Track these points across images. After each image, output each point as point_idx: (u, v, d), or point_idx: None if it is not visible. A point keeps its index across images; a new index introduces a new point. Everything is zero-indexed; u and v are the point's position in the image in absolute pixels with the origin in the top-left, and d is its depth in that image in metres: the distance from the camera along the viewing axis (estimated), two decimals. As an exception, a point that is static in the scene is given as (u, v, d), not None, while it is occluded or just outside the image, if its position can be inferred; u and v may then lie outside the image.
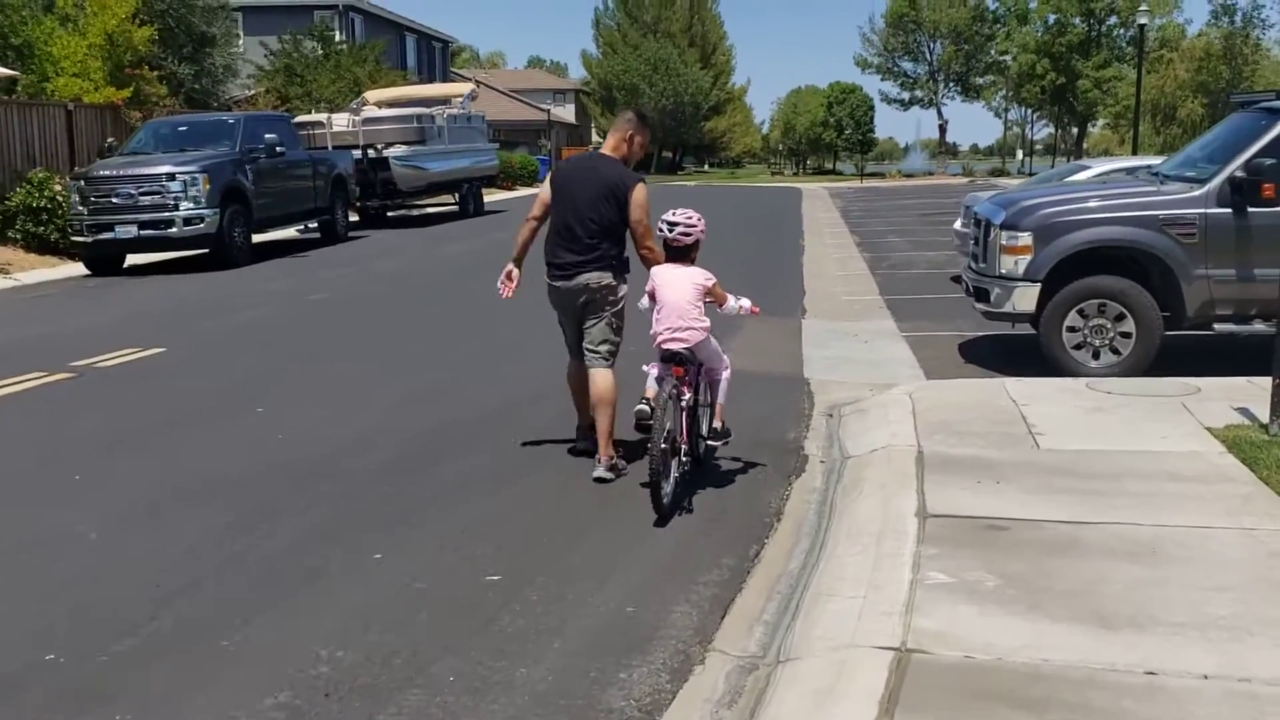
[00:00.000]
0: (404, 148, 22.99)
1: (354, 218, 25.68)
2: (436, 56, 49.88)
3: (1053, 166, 62.24)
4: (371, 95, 26.47)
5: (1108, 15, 58.59)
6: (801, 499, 5.85)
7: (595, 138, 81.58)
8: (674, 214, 5.68)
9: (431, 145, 24.10)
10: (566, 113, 78.84)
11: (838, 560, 4.73)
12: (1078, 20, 57.70)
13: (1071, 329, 8.62)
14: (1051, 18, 57.77)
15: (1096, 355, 8.61)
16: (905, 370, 9.22)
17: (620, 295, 6.04)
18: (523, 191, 42.98)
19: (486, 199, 33.05)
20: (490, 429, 7.36)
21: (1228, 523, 4.88)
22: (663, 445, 5.15)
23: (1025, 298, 8.73)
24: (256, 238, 18.42)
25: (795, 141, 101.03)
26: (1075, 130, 64.32)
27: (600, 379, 5.99)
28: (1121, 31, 58.81)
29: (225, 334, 11.28)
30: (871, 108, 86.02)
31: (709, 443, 5.92)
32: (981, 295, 9.17)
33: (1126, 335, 8.52)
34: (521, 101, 72.52)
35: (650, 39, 73.82)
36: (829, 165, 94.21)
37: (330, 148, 22.33)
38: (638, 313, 5.98)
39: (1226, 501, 5.16)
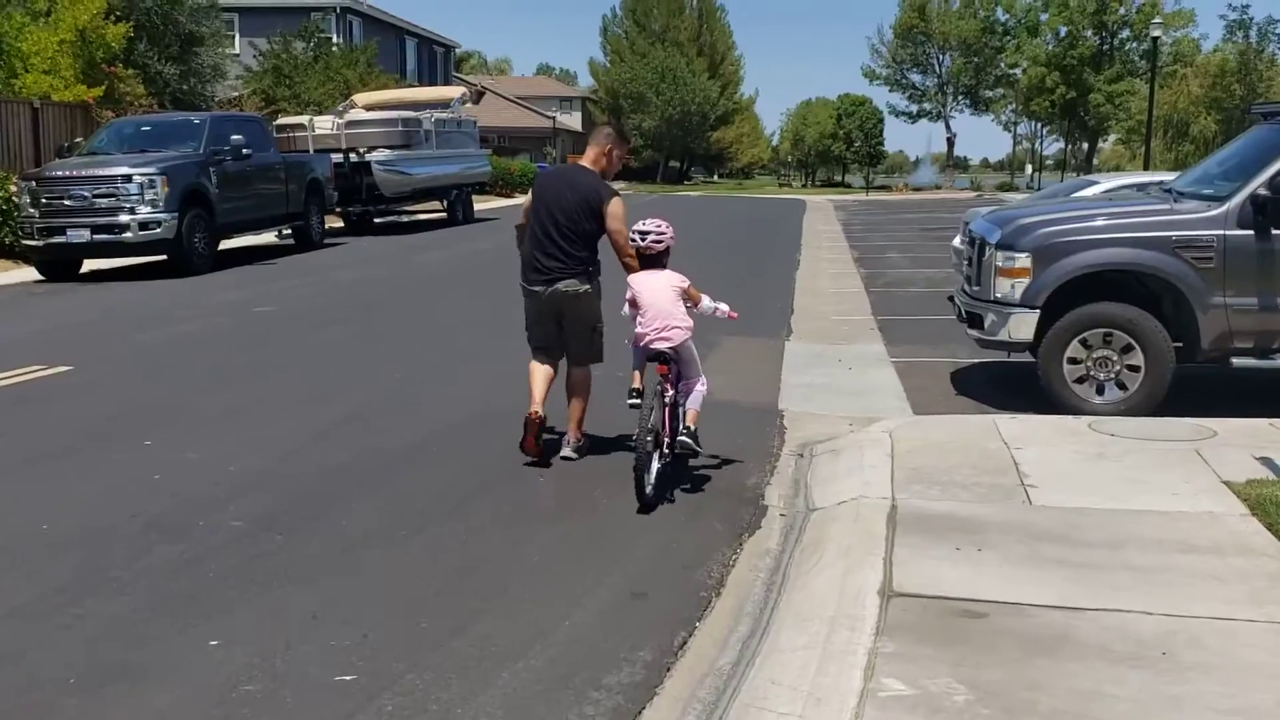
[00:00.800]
0: (388, 152, 22.20)
1: (338, 224, 24.99)
2: (438, 61, 49.19)
3: (1061, 182, 61.51)
4: (360, 98, 25.71)
5: (1120, 28, 57.63)
6: (750, 565, 5.01)
7: (529, 201, 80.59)
8: (645, 224, 5.97)
9: (418, 150, 23.32)
10: (573, 120, 78.22)
11: (778, 656, 3.89)
12: (1089, 33, 56.75)
13: (1073, 360, 7.79)
14: (1063, 30, 56.84)
15: (1101, 390, 7.77)
16: (890, 402, 8.38)
17: (598, 306, 6.42)
18: (521, 198, 42.27)
19: (480, 206, 32.30)
20: (415, 463, 6.54)
21: (1253, 613, 4.04)
22: (647, 439, 5.46)
23: (1022, 325, 7.90)
24: (228, 244, 17.70)
25: (804, 153, 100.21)
26: (1085, 146, 63.37)
27: (577, 374, 6.47)
28: (1134, 45, 57.86)
29: (149, 350, 10.41)
30: (881, 120, 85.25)
31: (682, 439, 5.87)
32: (975, 321, 8.33)
33: (1134, 369, 7.68)
34: (527, 109, 71.93)
35: (658, 47, 73.15)
36: (838, 177, 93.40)
37: (312, 151, 21.57)
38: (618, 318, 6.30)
39: (1251, 583, 4.31)
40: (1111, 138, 63.60)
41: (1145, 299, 7.76)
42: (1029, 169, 65.66)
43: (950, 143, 68.19)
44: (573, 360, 6.47)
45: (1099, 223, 7.97)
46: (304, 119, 22.62)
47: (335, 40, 36.83)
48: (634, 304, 5.96)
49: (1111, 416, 7.30)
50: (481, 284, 14.91)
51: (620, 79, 72.98)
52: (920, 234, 25.80)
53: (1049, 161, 75.29)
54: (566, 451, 6.43)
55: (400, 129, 22.71)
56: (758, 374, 9.29)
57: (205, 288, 14.39)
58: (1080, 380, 7.81)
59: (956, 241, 14.01)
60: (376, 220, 26.49)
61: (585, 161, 6.32)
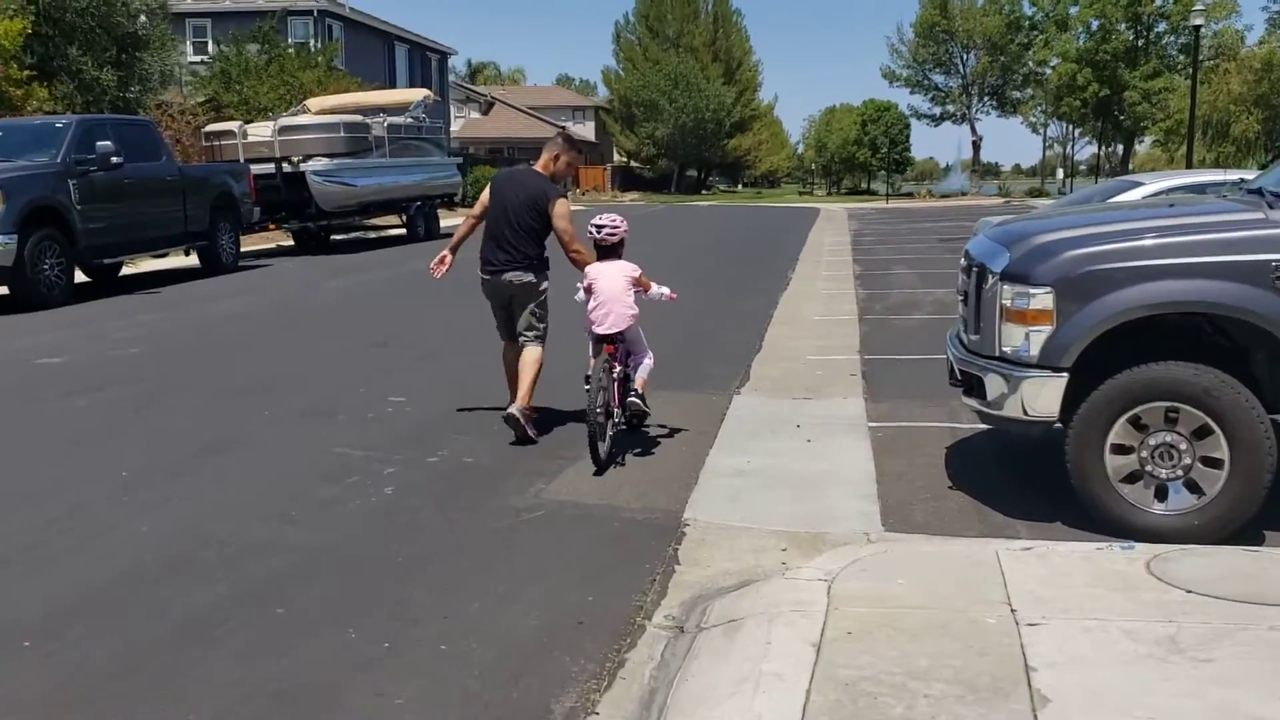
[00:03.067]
0: (326, 160, 19.77)
1: (287, 241, 22.64)
2: (432, 68, 46.88)
3: (1096, 184, 58.00)
4: (314, 103, 23.36)
5: (1156, 20, 54.23)
6: None
7: (616, 156, 78.58)
8: (601, 219, 6.66)
9: (366, 158, 20.89)
10: (586, 130, 75.91)
11: None
12: (1123, 26, 53.39)
13: (1121, 449, 5.21)
14: (1095, 23, 53.48)
15: (1162, 494, 5.19)
16: (852, 504, 5.77)
17: (543, 289, 6.94)
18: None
19: (453, 220, 29.88)
20: (144, 597, 4.00)
21: None
22: (598, 409, 6.10)
23: (1043, 395, 5.33)
24: (128, 269, 15.34)
25: (828, 160, 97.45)
26: (1120, 148, 59.88)
27: (529, 352, 6.97)
28: (1172, 39, 54.47)
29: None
30: (907, 126, 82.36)
31: (630, 400, 6.61)
32: (972, 385, 5.73)
33: (1213, 462, 5.09)
34: (537, 119, 69.75)
35: (672, 53, 70.69)
36: (864, 185, 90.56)
37: (242, 160, 19.22)
38: (572, 304, 6.77)
39: None
40: (1148, 140, 60.15)
41: (1228, 356, 5.18)
42: (1060, 173, 62.38)
43: (976, 146, 65.13)
44: (523, 340, 7.01)
45: (1153, 241, 5.33)
46: (233, 125, 20.25)
47: (314, 44, 34.64)
48: (589, 290, 6.54)
49: (1181, 546, 4.70)
50: (370, 319, 12.47)
51: (632, 86, 70.55)
52: (937, 246, 23.10)
53: (1081, 166, 72.05)
54: (513, 410, 6.78)
55: (343, 135, 20.27)
56: (674, 454, 6.71)
57: (21, 327, 11.82)
58: (1131, 479, 5.21)
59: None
60: (335, 237, 24.16)
61: (537, 166, 6.94)
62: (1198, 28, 29.61)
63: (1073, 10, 54.77)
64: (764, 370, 9.41)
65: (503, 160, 51.53)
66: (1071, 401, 5.26)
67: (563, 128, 8.04)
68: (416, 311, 12.85)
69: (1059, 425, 5.36)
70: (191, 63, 28.08)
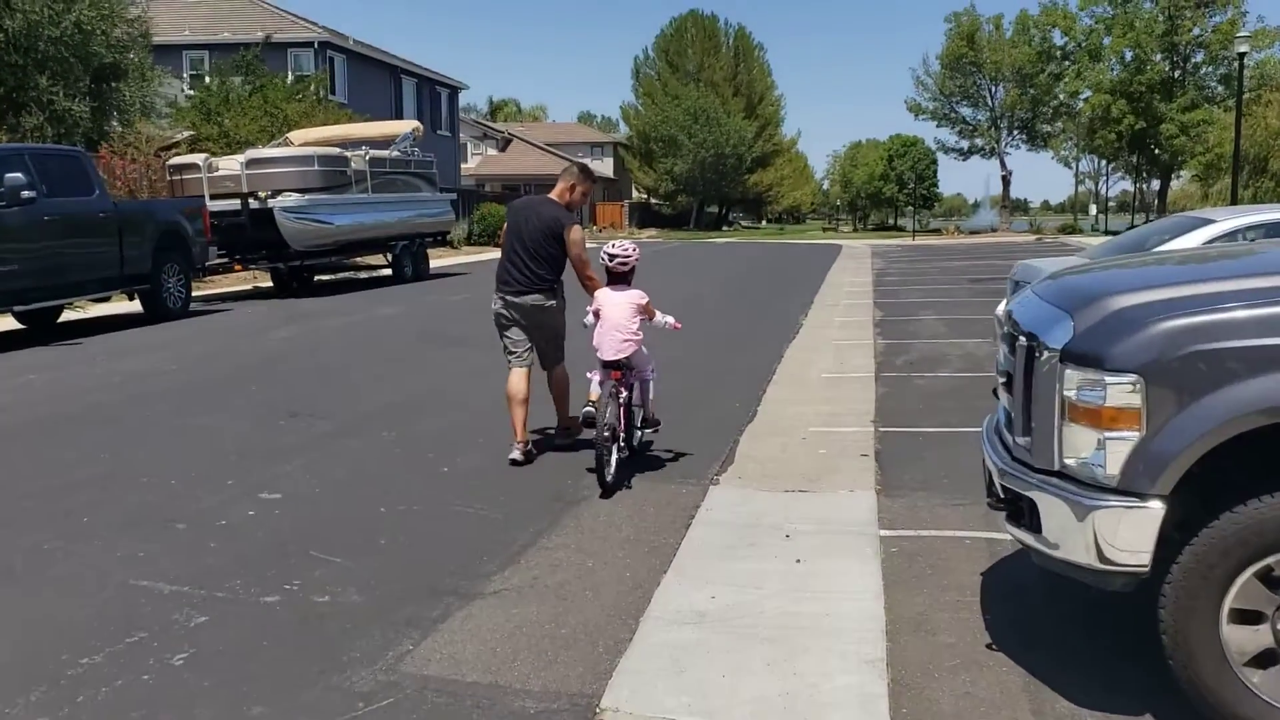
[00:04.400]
0: (296, 196, 18.24)
1: (265, 283, 21.14)
2: (442, 102, 45.59)
3: (1134, 226, 55.55)
4: (297, 135, 21.94)
5: (1194, 50, 52.08)
6: None
7: (635, 193, 77.28)
8: (613, 246, 6.81)
9: (343, 194, 19.35)
10: (605, 167, 74.77)
11: None
12: (1158, 56, 51.32)
13: (1246, 616, 3.49)
14: (1129, 54, 51.37)
15: (1316, 690, 3.42)
16: (847, 680, 4.05)
17: (561, 316, 7.27)
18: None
19: (451, 260, 28.52)
20: None
21: None
22: (605, 434, 6.23)
23: (1125, 533, 3.66)
24: (72, 315, 13.80)
25: (853, 196, 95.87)
26: (1157, 183, 57.52)
27: (558, 372, 7.45)
28: (1210, 70, 52.32)
29: None
30: (934, 161, 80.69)
31: (642, 430, 7.02)
32: (1020, 510, 4.01)
33: (1393, 645, 3.32)
34: (555, 155, 68.64)
35: (692, 88, 69.49)
36: (891, 221, 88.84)
37: (207, 195, 17.74)
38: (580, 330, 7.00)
39: None
40: (1184, 175, 57.82)
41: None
42: (1093, 209, 60.29)
43: (1006, 181, 63.07)
44: (546, 364, 7.40)
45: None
46: (198, 158, 18.76)
47: (314, 75, 33.42)
48: (597, 315, 6.75)
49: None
50: (299, 378, 10.75)
51: (651, 121, 69.31)
52: (967, 288, 21.33)
53: (1111, 204, 69.64)
54: (559, 441, 7.45)
55: (317, 169, 18.72)
56: (610, 584, 4.98)
57: None
58: (1262, 661, 3.49)
59: (1002, 309, 9.63)
60: (322, 278, 22.65)
61: (553, 195, 7.26)
62: (1242, 55, 27.79)
63: (1105, 41, 52.74)
64: (754, 449, 7.68)
65: (519, 196, 50.19)
66: (1170, 544, 3.56)
67: (583, 164, 8.09)
68: (360, 368, 11.17)
69: (1149, 576, 3.64)
70: (189, 96, 26.79)
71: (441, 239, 24.42)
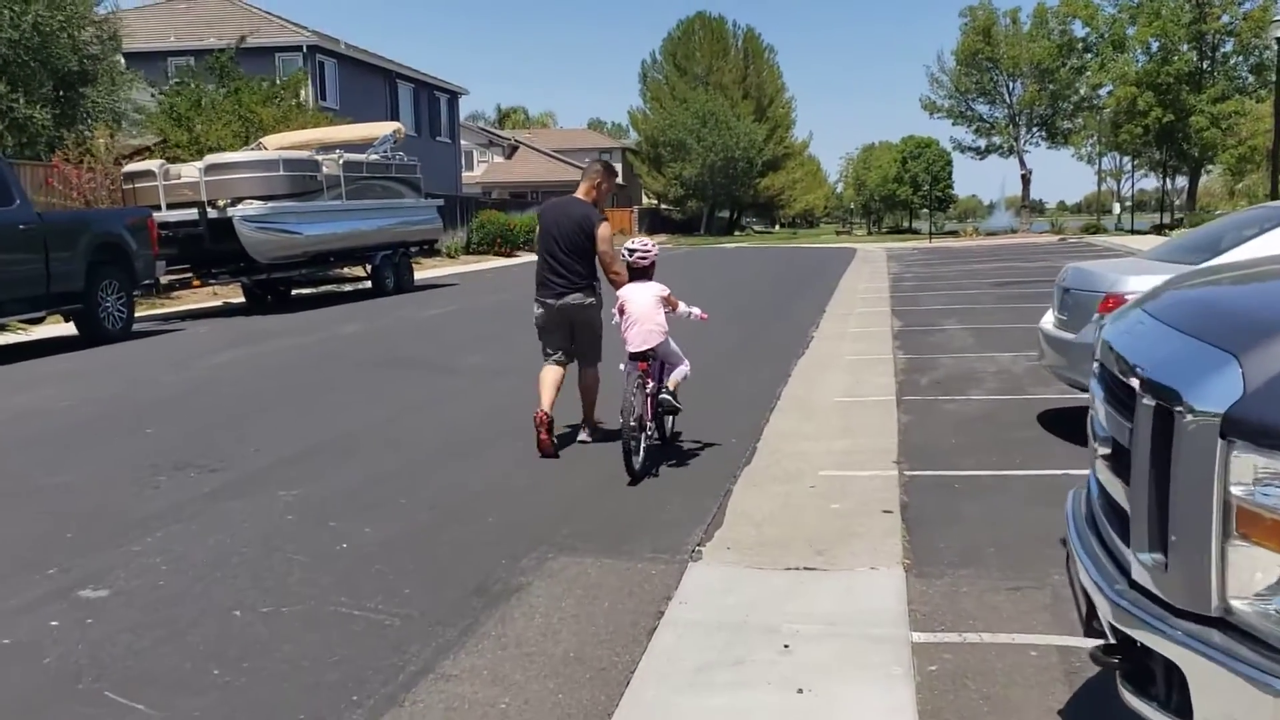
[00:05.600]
0: (258, 204, 16.77)
1: (236, 298, 19.71)
2: (441, 108, 44.18)
3: (1163, 224, 53.42)
4: (272, 140, 20.52)
5: (1223, 40, 50.04)
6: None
7: (645, 199, 75.76)
8: (633, 242, 7.12)
9: (313, 201, 17.88)
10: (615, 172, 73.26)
11: None
12: (1185, 46, 49.31)
13: None
14: (1154, 44, 49.38)
15: None
16: None
17: (599, 314, 7.36)
18: (526, 258, 36.93)
19: (446, 269, 27.11)
20: None
21: None
22: (632, 425, 6.37)
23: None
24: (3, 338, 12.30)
25: (867, 199, 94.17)
26: (1186, 178, 55.39)
27: (589, 375, 7.47)
28: (1239, 60, 50.32)
29: None
30: (949, 163, 78.98)
31: (663, 396, 6.92)
32: (1150, 673, 2.43)
33: None
34: (563, 161, 67.36)
35: (701, 91, 67.97)
36: (905, 223, 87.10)
37: (164, 205, 16.32)
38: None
39: None
40: (1216, 169, 55.71)
41: None
42: (1116, 208, 58.37)
43: (1025, 180, 61.16)
44: (583, 363, 7.44)
45: None
46: (153, 165, 17.33)
47: (292, 76, 32.09)
48: (621, 311, 6.86)
49: None
50: (213, 415, 9.15)
51: (659, 126, 67.81)
52: (992, 293, 19.71)
53: (1126, 202, 67.11)
54: (583, 436, 7.48)
55: (282, 174, 17.23)
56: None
57: None
58: None
59: (1048, 321, 8.09)
60: (301, 291, 21.21)
61: (579, 194, 7.35)
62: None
63: (1130, 31, 50.76)
64: (751, 502, 6.14)
65: (527, 204, 48.83)
66: None
67: (604, 160, 8.49)
68: (291, 400, 9.55)
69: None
70: (159, 100, 25.41)
71: (428, 248, 22.95)
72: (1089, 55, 54.63)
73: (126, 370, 11.65)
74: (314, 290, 22.03)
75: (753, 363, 11.16)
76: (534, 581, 4.78)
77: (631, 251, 7.00)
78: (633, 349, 6.78)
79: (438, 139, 43.52)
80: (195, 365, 11.71)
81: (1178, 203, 63.32)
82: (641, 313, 6.79)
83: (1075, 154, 66.60)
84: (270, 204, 16.86)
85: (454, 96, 45.89)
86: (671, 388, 7.00)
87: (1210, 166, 54.38)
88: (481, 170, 67.33)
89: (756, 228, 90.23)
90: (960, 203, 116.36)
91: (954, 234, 64.76)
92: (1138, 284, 6.90)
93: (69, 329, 14.11)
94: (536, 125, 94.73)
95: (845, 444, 7.60)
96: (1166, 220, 54.93)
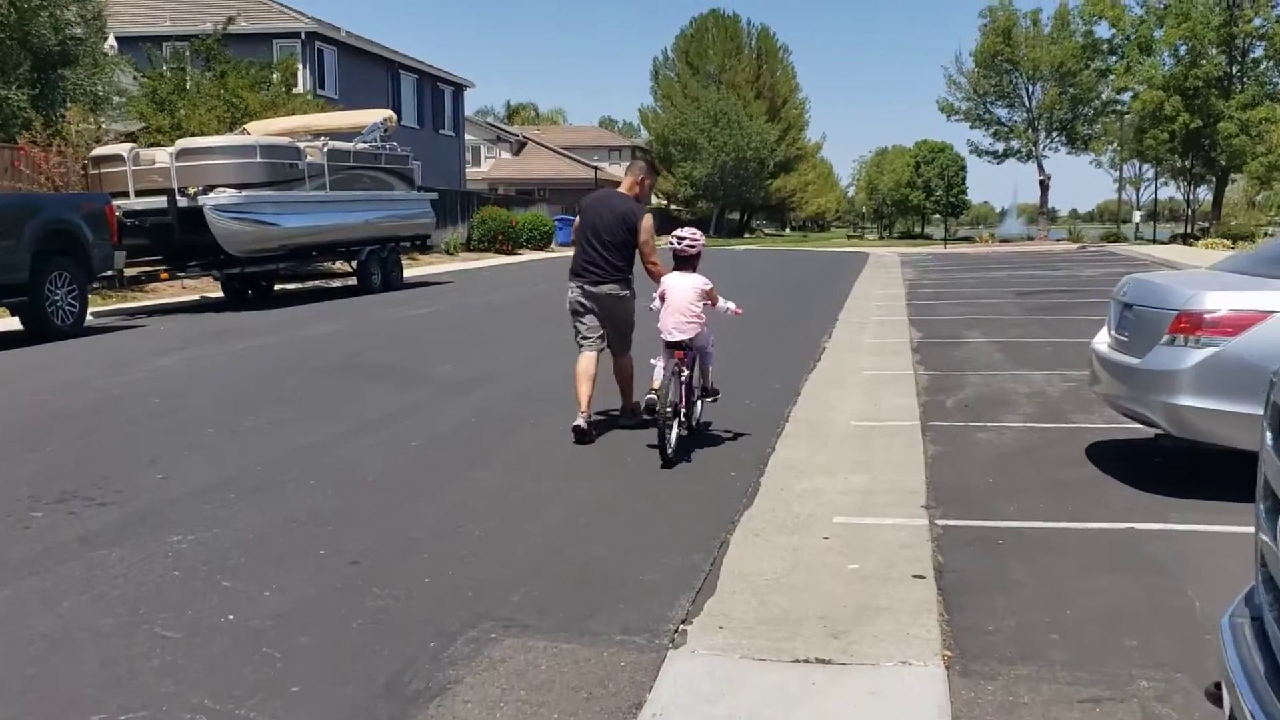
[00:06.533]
0: (232, 193, 15.65)
1: (214, 293, 18.65)
2: (445, 100, 43.02)
3: (1188, 234, 52.00)
4: (256, 126, 19.44)
5: (1253, 44, 48.49)
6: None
7: (654, 199, 74.62)
8: (682, 231, 7.23)
9: (293, 191, 16.77)
10: (623, 172, 72.16)
11: None
12: (1214, 50, 47.73)
13: None
14: (1182, 47, 47.82)
15: None
16: None
17: (632, 306, 7.60)
18: (528, 256, 35.83)
19: (444, 267, 26.04)
20: None
21: None
22: (668, 411, 6.61)
23: None
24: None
25: (879, 203, 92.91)
26: (1208, 187, 53.82)
27: (623, 362, 7.75)
28: (1270, 64, 48.74)
29: None
30: (963, 168, 77.80)
31: (701, 401, 7.40)
32: None
33: None
34: (571, 159, 66.37)
35: (713, 90, 66.84)
36: (917, 229, 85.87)
37: (133, 193, 15.24)
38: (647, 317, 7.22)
39: None
40: (1239, 179, 54.11)
41: None
42: (1136, 216, 56.95)
43: (1044, 185, 59.75)
44: (615, 352, 7.68)
45: None
46: (122, 149, 16.24)
47: (302, 70, 31.06)
48: (662, 299, 7.03)
49: None
50: (122, 431, 8.11)
51: (670, 125, 66.69)
52: (1016, 303, 18.56)
53: (1139, 211, 65.30)
54: (624, 421, 7.72)
55: (260, 161, 16.11)
56: None
57: None
58: None
59: (1101, 341, 6.94)
60: (286, 287, 20.13)
61: (622, 188, 7.65)
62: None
63: (1157, 33, 49.25)
64: (749, 560, 5.02)
65: (532, 201, 47.76)
66: None
67: (649, 154, 8.12)
68: (228, 414, 8.27)
69: None
70: (140, 83, 24.33)
71: (420, 244, 21.82)
72: (1113, 58, 53.16)
73: (57, 372, 10.49)
74: (300, 286, 20.96)
75: (759, 377, 10.02)
76: (464, 678, 3.67)
77: (680, 239, 7.17)
78: (669, 339, 6.95)
79: (441, 132, 42.42)
80: (136, 368, 10.57)
81: (1190, 212, 61.98)
82: (681, 303, 6.95)
83: (1094, 160, 65.26)
84: (246, 193, 15.76)
85: (459, 89, 44.77)
86: (710, 381, 7.41)
87: (1236, 175, 52.86)
88: (489, 166, 66.29)
89: (767, 230, 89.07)
90: (972, 209, 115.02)
91: (969, 240, 63.51)
92: (1219, 301, 5.79)
93: (14, 323, 13.01)
94: (546, 122, 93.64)
95: (864, 481, 6.48)
96: (1186, 230, 53.61)
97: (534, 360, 11.41)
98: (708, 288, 7.05)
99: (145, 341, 12.82)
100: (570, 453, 7.05)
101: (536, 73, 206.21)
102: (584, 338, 7.55)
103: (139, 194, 15.53)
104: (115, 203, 15.10)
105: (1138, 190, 70.51)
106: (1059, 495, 6.08)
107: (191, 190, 15.29)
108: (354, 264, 19.24)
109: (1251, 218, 56.89)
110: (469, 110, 58.68)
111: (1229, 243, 36.25)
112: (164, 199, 15.31)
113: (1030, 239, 58.31)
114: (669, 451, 6.64)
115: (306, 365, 10.81)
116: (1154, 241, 48.95)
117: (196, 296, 19.01)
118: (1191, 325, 5.79)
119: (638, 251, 7.42)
